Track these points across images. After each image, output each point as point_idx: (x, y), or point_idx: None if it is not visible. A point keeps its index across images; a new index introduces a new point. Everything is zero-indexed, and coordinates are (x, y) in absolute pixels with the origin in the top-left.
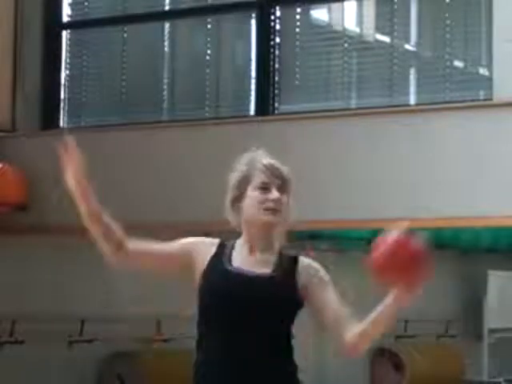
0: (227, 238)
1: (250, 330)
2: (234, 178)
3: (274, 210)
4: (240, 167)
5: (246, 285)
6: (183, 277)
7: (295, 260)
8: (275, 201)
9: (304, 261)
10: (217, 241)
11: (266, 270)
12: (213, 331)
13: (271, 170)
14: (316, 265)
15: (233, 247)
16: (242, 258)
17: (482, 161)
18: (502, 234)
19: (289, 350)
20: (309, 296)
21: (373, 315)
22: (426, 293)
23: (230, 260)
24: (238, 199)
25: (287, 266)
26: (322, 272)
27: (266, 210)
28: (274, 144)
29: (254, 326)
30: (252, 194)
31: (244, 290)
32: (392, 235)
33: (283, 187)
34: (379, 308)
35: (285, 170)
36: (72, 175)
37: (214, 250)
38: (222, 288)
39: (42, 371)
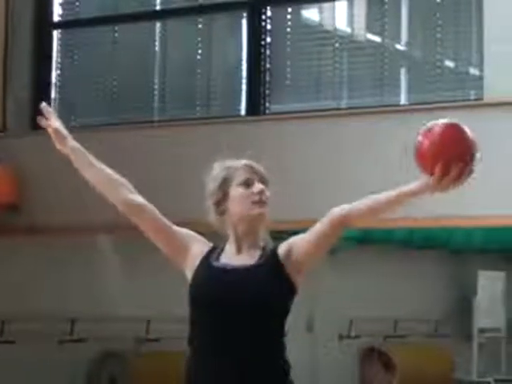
0: (215, 237)
1: (241, 324)
2: (213, 182)
3: (261, 201)
4: (217, 173)
5: (232, 277)
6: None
7: (275, 249)
8: (260, 192)
9: (281, 245)
10: (211, 244)
11: (251, 262)
12: (203, 328)
13: (251, 168)
14: (290, 239)
15: (222, 250)
16: (229, 257)
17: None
18: (493, 234)
19: (281, 347)
20: (306, 256)
21: (388, 193)
22: (415, 293)
23: (217, 260)
24: (221, 201)
25: (270, 255)
26: (295, 237)
27: (254, 203)
28: (264, 144)
29: (245, 319)
30: (236, 192)
31: (231, 282)
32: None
33: (264, 182)
34: (399, 189)
35: (263, 168)
36: (51, 130)
37: (206, 251)
38: (209, 284)
39: (33, 371)
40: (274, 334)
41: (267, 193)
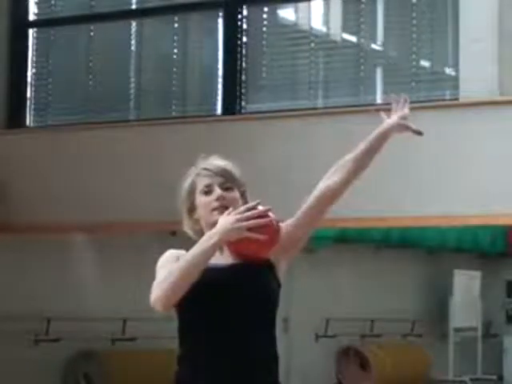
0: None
1: (244, 319)
2: (182, 191)
3: (220, 206)
4: (185, 181)
5: (227, 274)
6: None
7: None
8: (218, 199)
9: None
10: (183, 251)
11: (239, 260)
12: (210, 329)
13: (211, 170)
14: None
15: None
16: (215, 258)
17: (449, 160)
18: (468, 233)
19: (275, 339)
20: (295, 237)
21: (355, 150)
22: (391, 292)
23: None
24: (191, 210)
25: None
26: None
27: (213, 209)
28: (240, 143)
29: (253, 312)
30: (199, 201)
31: (228, 279)
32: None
33: (228, 183)
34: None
35: (228, 165)
36: None
37: None
38: (210, 284)
39: (8, 370)
40: (274, 326)
41: (230, 194)
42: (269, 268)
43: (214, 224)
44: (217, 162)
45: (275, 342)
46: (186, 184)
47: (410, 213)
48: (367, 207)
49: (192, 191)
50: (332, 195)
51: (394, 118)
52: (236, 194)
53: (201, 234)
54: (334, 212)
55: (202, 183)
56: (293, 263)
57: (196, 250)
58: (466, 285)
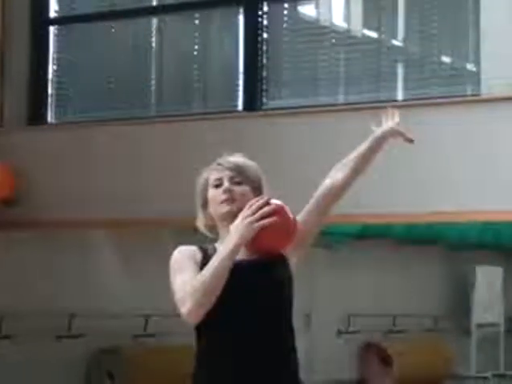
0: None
1: (258, 314)
2: (197, 187)
3: (227, 199)
4: (200, 177)
5: (248, 271)
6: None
7: None
8: (225, 191)
9: None
10: (194, 248)
11: (253, 257)
12: (234, 325)
13: (223, 165)
14: None
15: (214, 249)
16: None
17: (471, 156)
18: (492, 229)
19: (293, 332)
20: (305, 232)
21: (357, 149)
22: (413, 288)
23: None
24: (205, 205)
25: None
26: None
27: (221, 202)
28: (261, 139)
29: (262, 309)
30: (210, 194)
31: (249, 276)
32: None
33: (238, 177)
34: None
35: (241, 160)
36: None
37: (200, 255)
38: (233, 280)
39: (30, 367)
40: (291, 320)
41: (239, 188)
42: (283, 262)
43: (222, 216)
44: (231, 157)
45: (293, 336)
46: (201, 179)
47: (431, 209)
48: (388, 203)
49: (205, 186)
50: (336, 193)
51: (386, 125)
52: (245, 188)
53: (213, 229)
54: (352, 209)
55: (213, 177)
56: (316, 259)
57: (215, 262)
58: (488, 281)
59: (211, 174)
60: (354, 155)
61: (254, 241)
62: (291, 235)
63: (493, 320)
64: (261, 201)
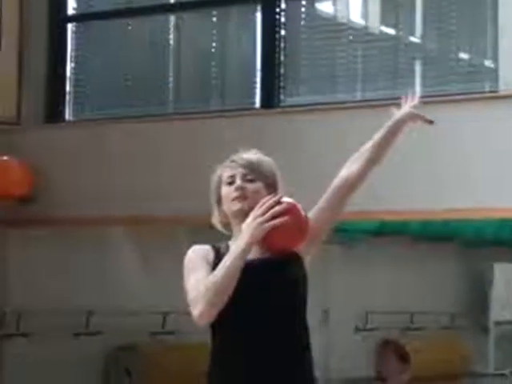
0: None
1: (272, 313)
2: (212, 184)
3: (239, 197)
4: (215, 174)
5: (261, 270)
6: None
7: None
8: (237, 188)
9: None
10: (208, 247)
11: (266, 255)
12: (233, 323)
13: (236, 162)
14: None
15: (227, 247)
16: None
17: (488, 152)
18: (507, 226)
19: (307, 330)
20: (318, 229)
21: (373, 139)
22: (431, 285)
23: None
24: (219, 202)
25: None
26: None
27: (233, 199)
28: (279, 136)
29: (276, 308)
30: (223, 192)
31: (262, 274)
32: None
33: (250, 174)
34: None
35: (254, 157)
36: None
37: (212, 255)
38: (247, 278)
39: (48, 364)
40: (305, 317)
41: (251, 185)
42: (297, 260)
43: (234, 213)
44: (245, 154)
45: (307, 334)
46: (215, 176)
47: (448, 205)
48: (406, 200)
49: (219, 183)
50: (352, 184)
51: (405, 108)
52: (258, 185)
53: (228, 226)
54: (370, 205)
55: (226, 174)
56: (333, 256)
57: (227, 261)
58: (506, 278)
59: (224, 172)
60: (369, 145)
61: (265, 240)
62: (303, 234)
63: (511, 318)
64: (272, 200)
